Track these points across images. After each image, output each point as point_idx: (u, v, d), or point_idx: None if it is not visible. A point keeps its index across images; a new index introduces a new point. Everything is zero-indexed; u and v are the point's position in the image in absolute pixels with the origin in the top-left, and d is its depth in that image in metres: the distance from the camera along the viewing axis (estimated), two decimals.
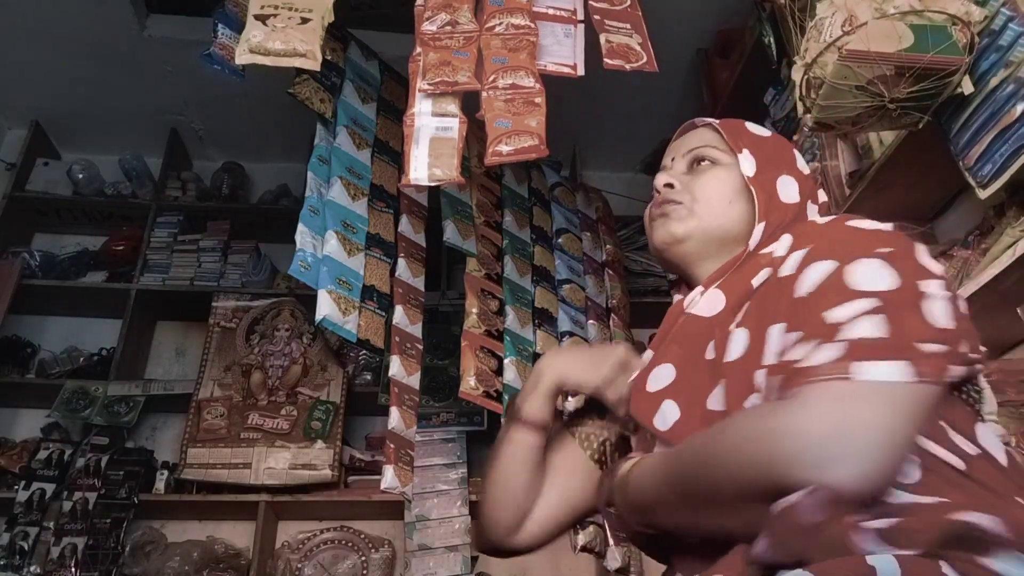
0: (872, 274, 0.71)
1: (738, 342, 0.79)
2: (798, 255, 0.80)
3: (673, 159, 1.03)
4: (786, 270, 0.80)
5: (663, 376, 0.86)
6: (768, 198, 0.93)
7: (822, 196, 1.00)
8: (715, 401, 0.79)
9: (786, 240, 0.87)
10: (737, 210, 0.94)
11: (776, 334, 0.74)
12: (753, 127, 1.02)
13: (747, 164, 0.95)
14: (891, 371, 0.63)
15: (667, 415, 0.83)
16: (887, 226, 0.81)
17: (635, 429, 0.93)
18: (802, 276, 0.76)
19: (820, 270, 0.75)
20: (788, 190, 0.94)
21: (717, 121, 1.02)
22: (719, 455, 0.68)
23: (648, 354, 0.96)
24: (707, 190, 0.96)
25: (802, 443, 0.61)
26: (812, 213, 0.96)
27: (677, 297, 0.98)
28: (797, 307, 0.74)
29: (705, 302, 0.89)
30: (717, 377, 0.80)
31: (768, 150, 0.98)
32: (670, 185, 0.98)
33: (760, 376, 0.74)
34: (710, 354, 0.83)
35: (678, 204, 0.96)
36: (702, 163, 0.99)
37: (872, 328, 0.66)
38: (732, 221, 0.94)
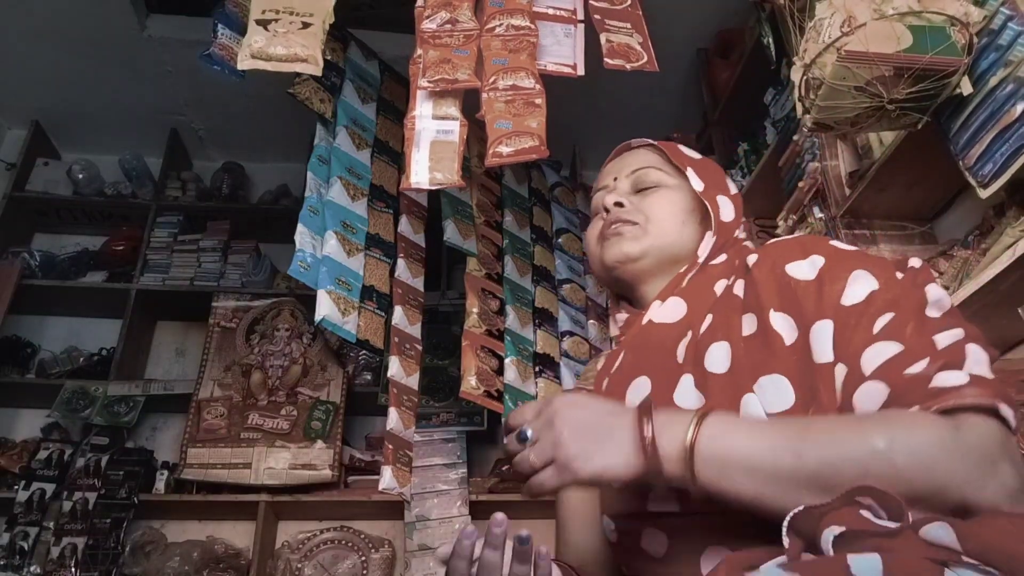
0: (943, 301, 0.74)
1: (719, 354, 0.79)
2: (808, 262, 0.80)
3: (616, 179, 1.05)
4: (799, 273, 0.79)
5: (641, 389, 0.86)
6: (716, 215, 0.97)
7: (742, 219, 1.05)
8: (688, 403, 0.79)
9: (748, 254, 0.89)
10: (689, 230, 0.98)
11: (823, 332, 0.73)
12: (687, 150, 1.06)
13: (696, 181, 0.98)
14: (1012, 416, 0.64)
15: None
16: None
17: None
18: (846, 284, 0.76)
19: (865, 283, 0.75)
20: (726, 209, 0.99)
21: (657, 142, 1.05)
22: (859, 458, 0.62)
23: (600, 361, 1.00)
24: (660, 211, 0.98)
25: (969, 463, 0.61)
26: (741, 233, 1.01)
27: (622, 316, 1.00)
28: (855, 321, 0.73)
29: (667, 310, 0.91)
30: (689, 384, 0.80)
31: (708, 171, 1.02)
32: (620, 204, 1.00)
33: (822, 371, 0.72)
34: (680, 357, 0.84)
35: (632, 224, 0.97)
36: (649, 183, 1.02)
37: (981, 358, 0.67)
38: (684, 240, 0.98)
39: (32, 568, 2.54)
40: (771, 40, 2.32)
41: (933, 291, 0.75)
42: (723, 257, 0.95)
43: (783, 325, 0.77)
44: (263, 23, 1.72)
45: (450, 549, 0.72)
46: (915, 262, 0.79)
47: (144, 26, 2.97)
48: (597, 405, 0.73)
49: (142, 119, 3.41)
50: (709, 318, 0.85)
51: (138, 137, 3.45)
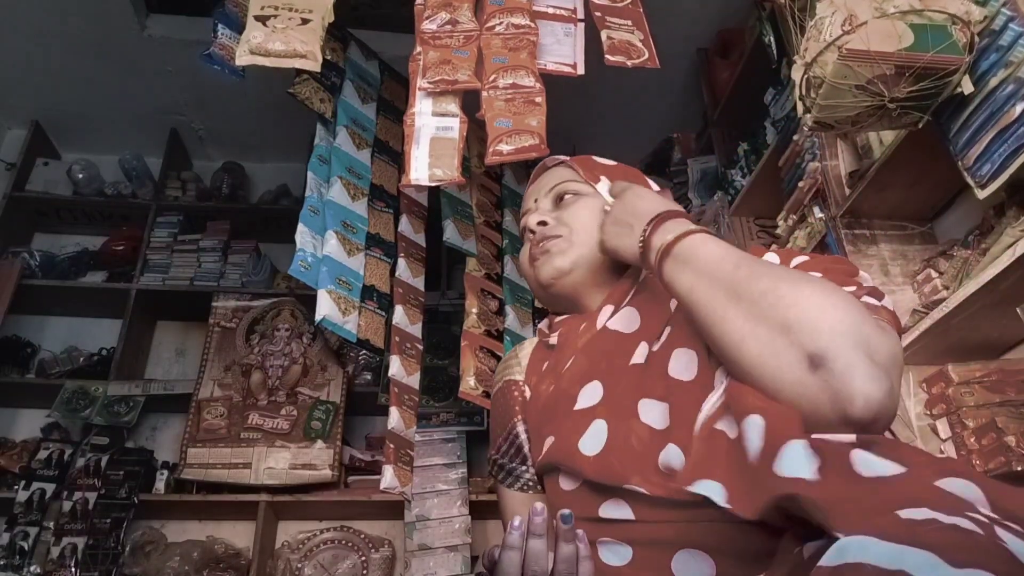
0: (876, 298, 0.80)
1: (684, 362, 0.79)
2: None
3: (536, 200, 1.06)
4: None
5: (594, 393, 0.85)
6: None
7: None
8: (653, 417, 0.78)
9: None
10: None
11: None
12: (600, 159, 1.08)
13: (605, 191, 0.99)
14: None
15: (596, 437, 0.80)
16: None
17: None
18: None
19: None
20: None
21: (568, 159, 1.08)
22: (774, 292, 0.68)
23: (524, 351, 1.02)
24: (580, 219, 0.99)
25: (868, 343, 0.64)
26: None
27: (558, 319, 1.01)
28: None
29: (621, 319, 0.91)
30: (651, 391, 0.80)
31: (620, 176, 1.03)
32: (543, 223, 1.01)
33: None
34: (636, 363, 0.83)
35: (557, 238, 0.98)
36: (566, 197, 1.03)
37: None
38: None
39: (32, 568, 2.54)
40: (772, 39, 2.32)
41: (871, 294, 0.79)
42: None
43: None
44: (262, 19, 1.72)
45: (497, 550, 0.71)
46: (865, 278, 0.82)
47: (144, 26, 2.97)
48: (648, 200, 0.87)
49: (142, 119, 3.41)
50: (668, 330, 0.85)
51: (138, 137, 3.45)
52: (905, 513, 0.53)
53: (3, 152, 3.42)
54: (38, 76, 3.17)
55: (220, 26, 2.01)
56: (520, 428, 0.98)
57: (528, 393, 0.99)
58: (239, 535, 2.83)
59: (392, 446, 2.02)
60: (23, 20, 2.90)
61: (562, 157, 1.10)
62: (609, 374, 0.85)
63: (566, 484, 0.84)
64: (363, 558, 2.77)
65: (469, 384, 2.12)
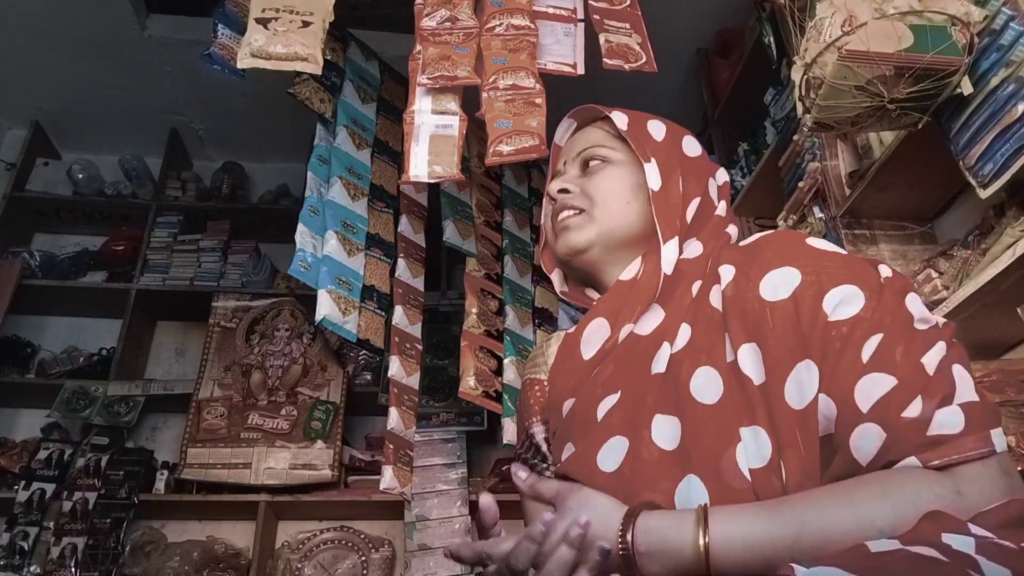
0: (924, 312, 0.72)
1: (706, 382, 0.75)
2: (780, 275, 0.76)
3: (565, 163, 1.01)
4: (770, 293, 0.75)
5: (612, 405, 0.81)
6: (675, 213, 0.90)
7: (721, 180, 0.98)
8: (665, 436, 0.75)
9: (722, 258, 0.84)
10: (635, 210, 0.92)
11: (804, 371, 0.70)
12: (652, 125, 0.98)
13: (655, 172, 0.91)
14: (1003, 440, 0.65)
15: (615, 453, 0.78)
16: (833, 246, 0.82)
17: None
18: (824, 303, 0.72)
19: (850, 301, 0.72)
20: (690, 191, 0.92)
21: (611, 112, 0.98)
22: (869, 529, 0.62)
23: (550, 348, 0.98)
24: (604, 191, 0.94)
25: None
26: (722, 209, 0.94)
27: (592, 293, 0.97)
28: (842, 344, 0.70)
29: (646, 320, 0.86)
30: (666, 406, 0.76)
31: (669, 155, 0.94)
32: (565, 191, 0.96)
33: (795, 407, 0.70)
34: (654, 371, 0.80)
35: (577, 213, 0.94)
36: (592, 163, 0.97)
37: (968, 382, 0.67)
38: (631, 221, 0.92)
39: (32, 568, 2.54)
40: (772, 39, 2.32)
41: (913, 303, 0.73)
42: (698, 248, 0.88)
43: (751, 362, 0.73)
44: (263, 22, 1.72)
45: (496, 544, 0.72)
46: (886, 270, 0.76)
47: (144, 26, 2.97)
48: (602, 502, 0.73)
49: (142, 119, 3.41)
50: (687, 331, 0.80)
51: (138, 137, 3.45)
52: (874, 546, 0.53)
53: (3, 152, 3.42)
54: (38, 76, 3.17)
55: (220, 26, 2.01)
56: (536, 429, 0.96)
57: (549, 391, 0.96)
58: (239, 535, 2.83)
59: (391, 446, 2.02)
60: (23, 20, 2.90)
61: (598, 109, 1.00)
62: (629, 384, 0.82)
63: None
64: (363, 558, 2.77)
65: (469, 384, 2.12)
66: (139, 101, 3.30)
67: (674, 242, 0.87)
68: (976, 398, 0.66)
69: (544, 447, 0.95)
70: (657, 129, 0.98)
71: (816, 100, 1.43)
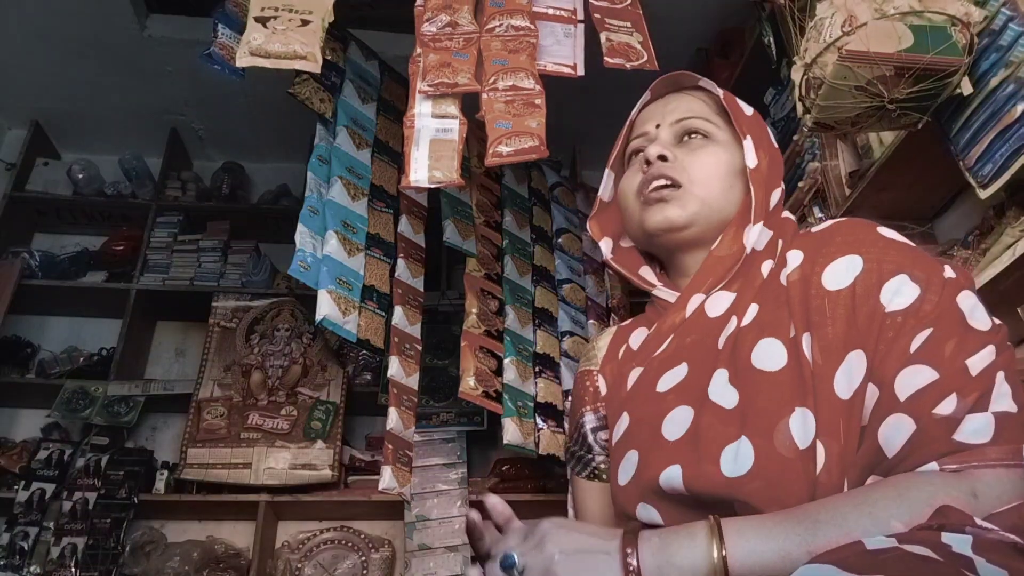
0: (979, 311, 0.72)
1: (772, 351, 0.75)
2: (845, 263, 0.76)
3: (658, 126, 0.94)
4: (832, 282, 0.75)
5: (677, 376, 0.82)
6: (766, 193, 0.89)
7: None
8: (725, 399, 0.75)
9: (789, 243, 0.84)
10: (736, 194, 0.90)
11: (855, 360, 0.70)
12: (744, 105, 0.95)
13: (751, 148, 0.89)
14: None
15: (678, 422, 0.78)
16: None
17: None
18: (882, 293, 0.72)
19: (908, 292, 0.72)
20: (776, 192, 0.92)
21: (715, 88, 0.95)
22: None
23: (605, 338, 0.97)
24: (706, 171, 0.89)
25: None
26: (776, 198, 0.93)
27: (667, 294, 0.92)
28: (894, 334, 0.70)
29: (716, 300, 0.85)
30: (730, 374, 0.76)
31: (760, 134, 0.93)
32: (663, 158, 0.89)
33: (844, 394, 0.70)
34: (720, 345, 0.80)
35: (676, 187, 0.88)
36: (694, 137, 0.92)
37: (1007, 391, 0.66)
38: (730, 205, 0.90)
39: (32, 568, 2.54)
40: (772, 39, 2.32)
41: (968, 301, 0.72)
42: (767, 235, 0.87)
43: (808, 347, 0.73)
44: (262, 20, 1.72)
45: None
46: (950, 271, 0.75)
47: (144, 26, 2.97)
48: (587, 529, 0.69)
49: (142, 119, 3.41)
50: (754, 308, 0.80)
51: (138, 137, 3.45)
52: (871, 543, 0.53)
53: (3, 152, 3.42)
54: (38, 76, 3.17)
55: (220, 26, 2.01)
56: (587, 419, 0.95)
57: (601, 382, 0.96)
58: (239, 535, 2.83)
59: (391, 447, 2.02)
60: (23, 20, 2.90)
61: (699, 78, 0.95)
62: (695, 358, 0.81)
63: (623, 477, 0.81)
64: (363, 558, 2.78)
65: (469, 384, 2.12)
66: (139, 101, 3.30)
67: (760, 225, 0.87)
68: (1014, 409, 0.65)
69: (591, 437, 0.94)
70: (746, 106, 0.96)
71: (816, 100, 1.43)
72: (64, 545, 2.56)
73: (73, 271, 3.22)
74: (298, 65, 1.73)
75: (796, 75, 1.45)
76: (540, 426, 2.21)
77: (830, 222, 0.85)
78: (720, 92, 0.95)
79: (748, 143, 0.89)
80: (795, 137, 2.20)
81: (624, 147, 1.00)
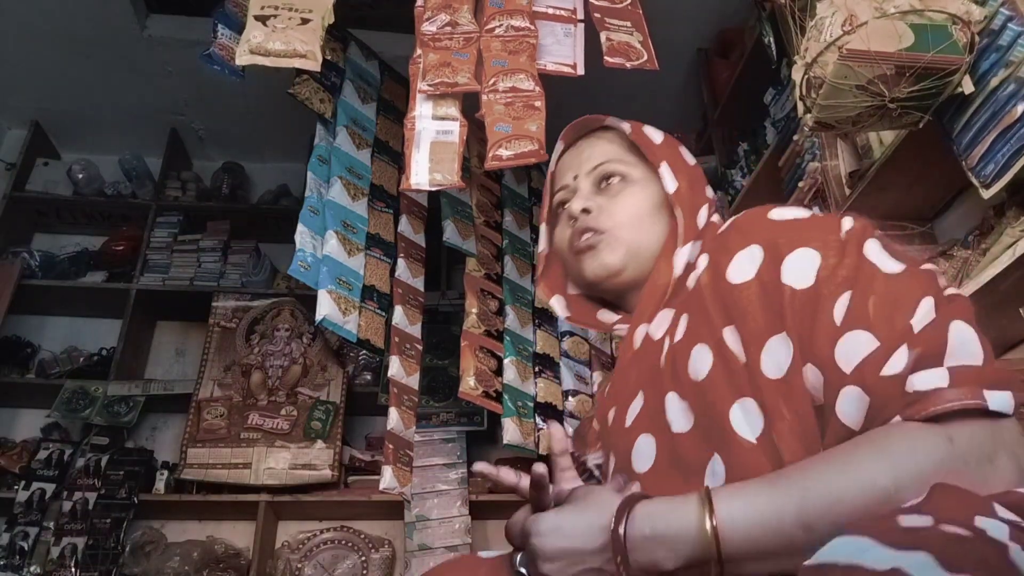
0: (890, 254, 0.71)
1: (700, 359, 0.76)
2: (745, 255, 0.76)
3: (576, 177, 0.98)
4: (737, 275, 0.76)
5: (636, 407, 0.84)
6: (692, 213, 0.91)
7: (709, 192, 0.98)
8: (678, 422, 0.77)
9: (703, 247, 0.86)
10: (662, 224, 0.93)
11: (778, 345, 0.71)
12: (651, 133, 0.98)
13: (669, 174, 0.92)
14: (1005, 400, 0.62)
15: (643, 453, 0.80)
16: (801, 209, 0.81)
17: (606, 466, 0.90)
18: (782, 272, 0.72)
19: (809, 264, 0.71)
20: (702, 210, 0.93)
21: (621, 124, 0.98)
22: (865, 482, 0.61)
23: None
24: (629, 213, 0.93)
25: (968, 470, 0.60)
26: (716, 219, 0.94)
27: (620, 327, 0.95)
28: (811, 309, 0.69)
29: (656, 323, 0.87)
30: (676, 392, 0.78)
31: (674, 157, 0.95)
32: (587, 211, 0.93)
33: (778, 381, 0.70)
34: (662, 365, 0.81)
35: (601, 234, 0.92)
36: (613, 181, 0.95)
37: (969, 338, 0.64)
38: (661, 237, 0.92)
39: (32, 568, 2.54)
40: (772, 39, 2.32)
41: (873, 248, 0.71)
42: (697, 248, 0.90)
43: (733, 340, 0.74)
44: (262, 19, 1.72)
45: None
46: (848, 222, 0.74)
47: (144, 26, 2.97)
48: (601, 496, 0.72)
49: (142, 119, 3.41)
50: (685, 320, 0.82)
51: (138, 137, 3.45)
52: (905, 520, 0.53)
53: (3, 152, 3.42)
54: (38, 76, 3.17)
55: (220, 26, 2.01)
56: (589, 459, 0.96)
57: (596, 426, 0.97)
58: (239, 535, 2.83)
59: (391, 446, 2.02)
60: (23, 20, 2.90)
61: (604, 120, 0.99)
62: (647, 385, 0.83)
63: None
64: (363, 558, 2.77)
65: (469, 384, 2.12)
66: (139, 101, 3.30)
67: (688, 245, 0.89)
68: (972, 359, 0.63)
69: (597, 472, 0.96)
70: (653, 132, 0.99)
71: (817, 100, 1.43)
72: (64, 545, 2.56)
73: (73, 271, 3.22)
74: (298, 63, 1.73)
75: (797, 74, 1.45)
76: (540, 426, 2.21)
77: (731, 219, 0.85)
78: (627, 127, 0.98)
79: (664, 169, 0.93)
80: (795, 137, 2.20)
81: (551, 200, 1.05)
